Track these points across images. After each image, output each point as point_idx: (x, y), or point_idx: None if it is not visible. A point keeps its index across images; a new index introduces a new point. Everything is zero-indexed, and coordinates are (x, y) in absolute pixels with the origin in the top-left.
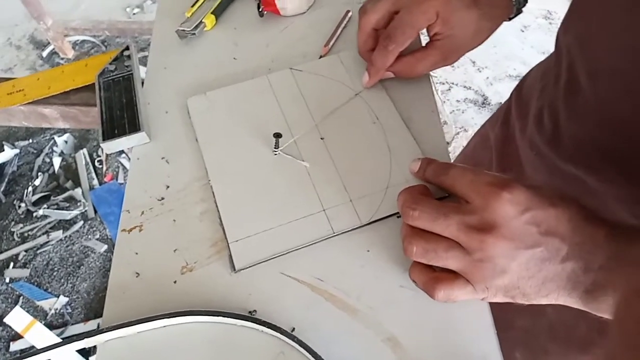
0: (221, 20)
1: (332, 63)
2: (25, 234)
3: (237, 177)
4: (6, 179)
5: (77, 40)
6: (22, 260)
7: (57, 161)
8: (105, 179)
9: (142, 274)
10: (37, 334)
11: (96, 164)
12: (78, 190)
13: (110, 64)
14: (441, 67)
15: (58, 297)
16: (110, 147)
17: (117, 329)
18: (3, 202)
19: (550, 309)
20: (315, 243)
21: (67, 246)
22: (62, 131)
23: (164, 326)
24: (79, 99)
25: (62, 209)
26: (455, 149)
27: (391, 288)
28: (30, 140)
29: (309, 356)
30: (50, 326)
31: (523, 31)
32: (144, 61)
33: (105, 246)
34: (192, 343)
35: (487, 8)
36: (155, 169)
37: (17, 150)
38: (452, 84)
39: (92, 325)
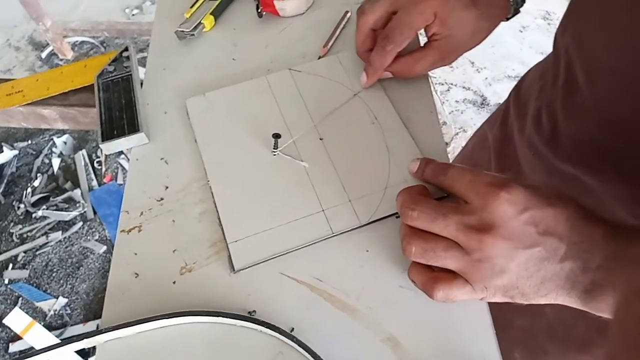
0: (220, 21)
1: (331, 64)
2: (25, 235)
3: (236, 178)
4: (5, 180)
5: (76, 41)
6: (21, 262)
7: (56, 162)
8: (105, 180)
9: (142, 275)
10: (36, 335)
11: (95, 165)
12: (77, 191)
13: (110, 64)
14: (439, 67)
15: (57, 298)
16: (109, 147)
17: (116, 329)
18: (2, 203)
19: (549, 308)
20: (314, 243)
21: (67, 247)
22: (61, 132)
23: (163, 327)
24: (78, 100)
25: (61, 210)
26: (454, 150)
27: (390, 288)
28: (29, 142)
29: (308, 356)
30: (50, 327)
31: (522, 32)
32: (143, 62)
33: (105, 247)
34: (191, 343)
35: (485, 8)
36: (154, 169)
37: (16, 152)
38: (451, 84)
39: (91, 326)
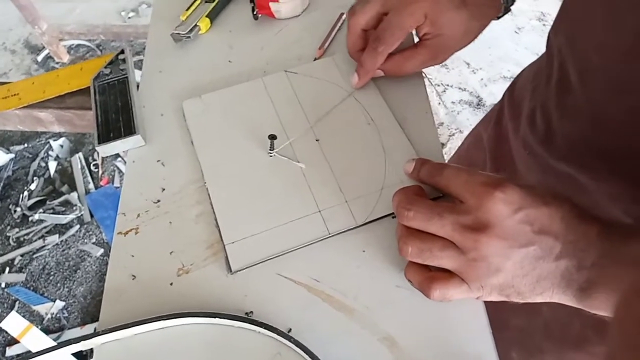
0: (216, 23)
1: (327, 65)
2: (21, 239)
3: (233, 179)
4: (1, 184)
5: (72, 45)
6: (18, 265)
7: (52, 165)
8: (101, 183)
9: (139, 277)
10: (34, 339)
11: (92, 167)
12: (74, 195)
13: (106, 67)
14: (430, 65)
15: (54, 301)
16: (105, 150)
17: (113, 331)
18: None
19: (545, 307)
20: (311, 244)
21: (63, 250)
22: (58, 135)
23: (161, 328)
24: (74, 103)
25: (58, 213)
26: (450, 150)
27: (387, 288)
28: (26, 145)
29: (306, 356)
30: (47, 331)
31: (517, 33)
32: (139, 65)
33: (102, 250)
34: (188, 345)
35: (475, 8)
36: (151, 171)
37: (12, 155)
38: (447, 85)
39: (88, 329)
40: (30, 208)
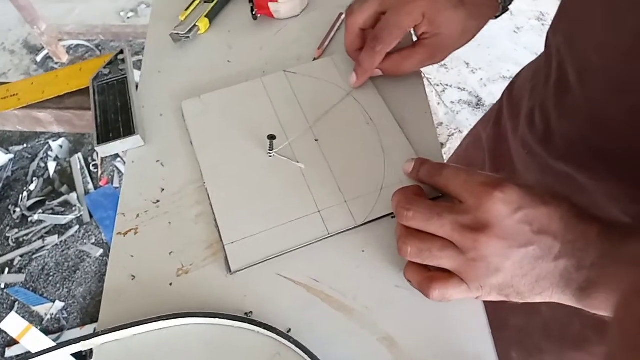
0: (215, 23)
1: (326, 65)
2: (21, 239)
3: (232, 180)
4: (1, 184)
5: (72, 45)
6: (18, 266)
7: (52, 166)
8: (101, 183)
9: (138, 277)
10: (33, 340)
11: (91, 168)
12: (73, 195)
13: (105, 67)
14: (429, 65)
15: (54, 302)
16: (105, 150)
17: (113, 331)
18: None
19: (545, 307)
20: (310, 244)
21: (63, 251)
22: (57, 135)
23: (160, 328)
24: (74, 103)
25: (58, 213)
26: (450, 150)
27: (386, 288)
28: (25, 145)
29: (305, 357)
30: (46, 331)
31: (516, 33)
32: (138, 65)
33: (101, 250)
34: (188, 345)
35: (473, 7)
36: (150, 172)
37: (11, 155)
38: (447, 85)
39: (88, 330)
40: (30, 209)
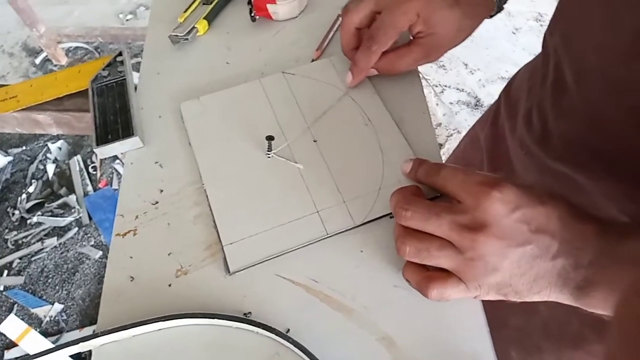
0: (214, 25)
1: (324, 67)
2: (20, 242)
3: (231, 181)
4: (0, 187)
5: (70, 47)
6: (17, 268)
7: (51, 168)
8: (100, 185)
9: (137, 278)
10: (32, 342)
11: (90, 170)
12: (72, 197)
13: (104, 69)
14: (424, 63)
15: (53, 304)
16: (103, 152)
17: (112, 332)
18: None
19: (543, 306)
20: (309, 244)
21: (62, 253)
22: (56, 138)
23: (159, 329)
24: (73, 105)
25: (57, 215)
26: (448, 151)
27: (385, 288)
28: (24, 147)
29: (304, 357)
30: (45, 334)
31: (515, 33)
32: (137, 67)
33: (100, 252)
34: (187, 346)
35: (468, 6)
36: (149, 173)
37: (10, 158)
38: (445, 86)
39: (87, 332)
40: (29, 211)
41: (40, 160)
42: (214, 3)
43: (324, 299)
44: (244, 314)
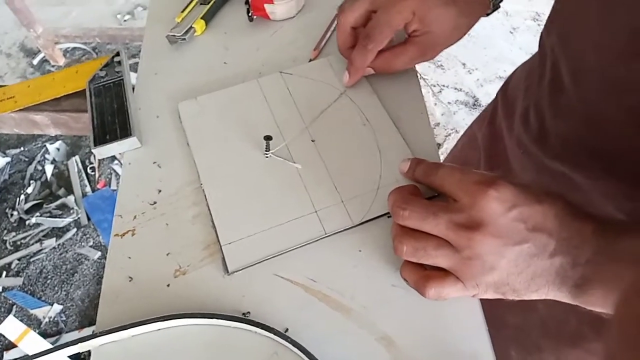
0: (211, 25)
1: (322, 66)
2: (18, 243)
3: (229, 180)
4: None
5: (68, 48)
6: (15, 269)
7: (49, 169)
8: (98, 186)
9: (136, 278)
10: (31, 343)
11: (89, 171)
12: (71, 198)
13: (101, 70)
14: (420, 62)
15: (52, 305)
16: (101, 152)
17: (111, 333)
18: None
19: (541, 304)
20: (307, 244)
21: (61, 254)
22: (54, 138)
23: (158, 329)
24: (70, 105)
25: (55, 216)
26: (447, 150)
27: (383, 287)
28: (22, 148)
29: (303, 356)
30: (45, 334)
31: (512, 33)
32: (135, 68)
33: (99, 253)
34: (186, 345)
35: (464, 5)
36: (147, 173)
37: (8, 159)
38: (443, 86)
39: (86, 332)
40: (27, 212)
41: (39, 161)
42: (211, 3)
43: (323, 298)
44: (243, 314)
